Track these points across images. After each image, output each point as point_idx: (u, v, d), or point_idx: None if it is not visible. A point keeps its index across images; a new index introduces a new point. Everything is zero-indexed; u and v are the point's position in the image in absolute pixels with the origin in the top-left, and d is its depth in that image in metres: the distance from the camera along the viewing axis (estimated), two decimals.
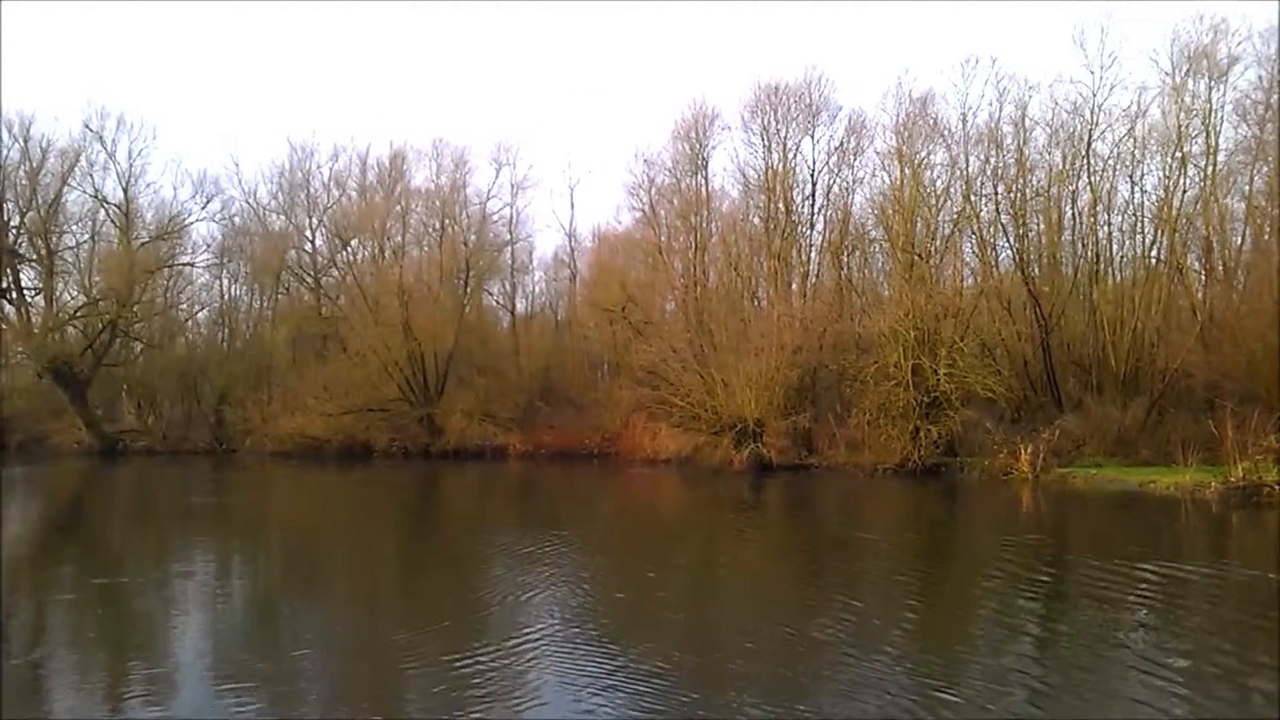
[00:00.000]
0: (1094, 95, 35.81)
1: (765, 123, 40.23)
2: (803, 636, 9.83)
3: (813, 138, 40.34)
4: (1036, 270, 36.59)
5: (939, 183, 36.59)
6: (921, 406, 29.41)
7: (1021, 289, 35.28)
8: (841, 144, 39.91)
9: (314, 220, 50.58)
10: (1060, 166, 37.20)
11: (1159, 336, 34.04)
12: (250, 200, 51.34)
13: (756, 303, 40.22)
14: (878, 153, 38.47)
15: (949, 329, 29.70)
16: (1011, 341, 34.64)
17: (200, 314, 52.32)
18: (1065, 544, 17.79)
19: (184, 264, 49.99)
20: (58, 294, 47.58)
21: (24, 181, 45.81)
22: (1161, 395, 31.48)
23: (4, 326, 46.02)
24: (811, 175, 40.44)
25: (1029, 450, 27.17)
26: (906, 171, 35.41)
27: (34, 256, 46.69)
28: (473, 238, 48.44)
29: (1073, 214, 37.95)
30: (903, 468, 29.35)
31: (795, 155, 40.42)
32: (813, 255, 41.19)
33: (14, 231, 46.22)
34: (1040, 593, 12.62)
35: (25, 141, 45.86)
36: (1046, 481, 26.67)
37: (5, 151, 45.68)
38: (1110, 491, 25.12)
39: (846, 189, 40.44)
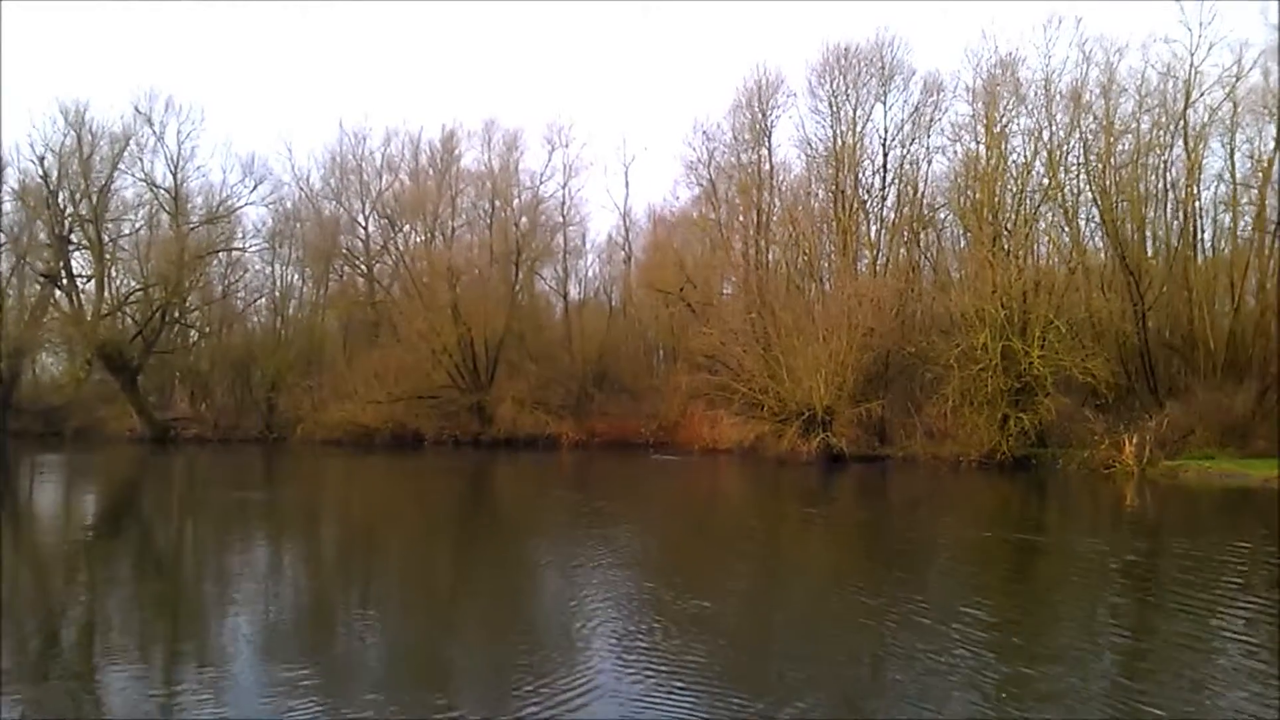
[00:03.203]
0: (1191, 54, 33.00)
1: (834, 88, 37.51)
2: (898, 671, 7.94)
3: (884, 104, 37.52)
4: (1127, 245, 33.76)
5: (1024, 150, 33.79)
6: (1011, 392, 27.06)
7: (1114, 264, 32.58)
8: (916, 109, 37.03)
9: (366, 205, 49.60)
10: (1152, 133, 34.42)
11: (1269, 314, 31.11)
12: (303, 185, 50.57)
13: (822, 282, 37.88)
14: (953, 121, 35.80)
15: (1042, 306, 27.23)
16: (1105, 321, 31.85)
17: (258, 302, 51.67)
18: (1203, 550, 15.47)
19: (235, 249, 49.27)
20: (114, 281, 47.28)
21: (77, 169, 45.49)
22: (1277, 379, 28.70)
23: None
24: (883, 145, 37.67)
25: (1133, 441, 24.68)
26: (989, 138, 32.74)
27: (86, 243, 46.34)
28: (524, 221, 46.95)
29: (1164, 184, 35.17)
30: (989, 460, 27.08)
31: (866, 124, 37.76)
32: (883, 231, 38.64)
33: (68, 219, 45.95)
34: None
35: (79, 130, 45.54)
36: (1154, 476, 24.22)
37: (62, 139, 45.46)
38: (1229, 487, 22.66)
39: (920, 159, 37.68)
